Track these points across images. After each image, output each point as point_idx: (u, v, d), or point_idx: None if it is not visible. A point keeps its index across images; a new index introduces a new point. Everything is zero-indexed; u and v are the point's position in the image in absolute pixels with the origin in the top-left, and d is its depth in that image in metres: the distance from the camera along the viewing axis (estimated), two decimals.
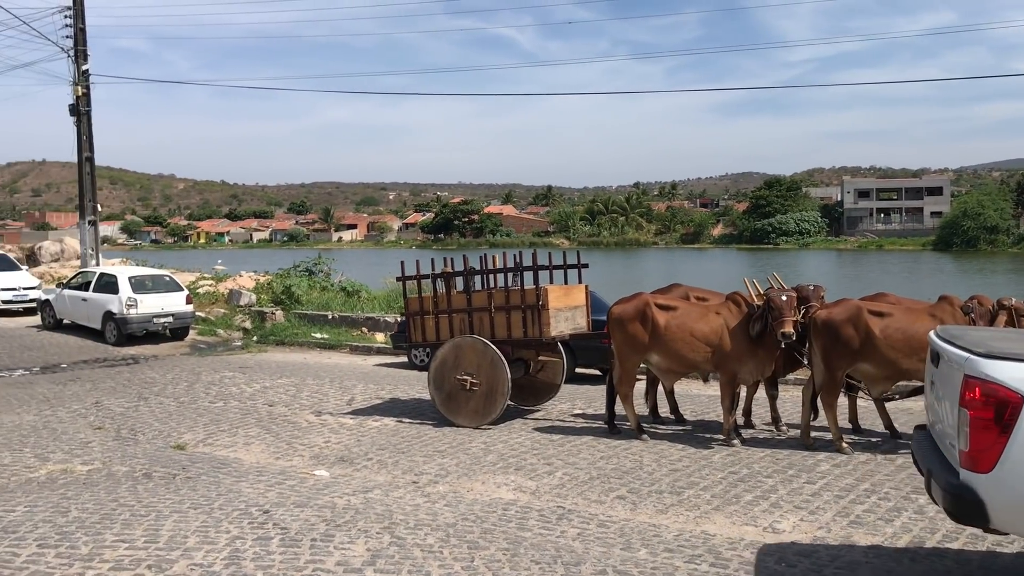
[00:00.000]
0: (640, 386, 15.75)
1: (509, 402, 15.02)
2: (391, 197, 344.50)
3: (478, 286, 14.52)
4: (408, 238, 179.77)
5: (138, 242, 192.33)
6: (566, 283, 14.51)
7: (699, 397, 16.80)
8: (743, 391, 13.89)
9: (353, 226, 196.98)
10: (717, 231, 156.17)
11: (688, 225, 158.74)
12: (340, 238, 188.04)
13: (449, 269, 14.57)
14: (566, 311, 14.04)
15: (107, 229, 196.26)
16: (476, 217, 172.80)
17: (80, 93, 34.40)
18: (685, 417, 14.50)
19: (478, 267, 14.42)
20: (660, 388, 14.85)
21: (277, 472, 11.69)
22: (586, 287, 14.82)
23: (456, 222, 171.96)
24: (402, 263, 15.41)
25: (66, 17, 35.07)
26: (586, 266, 14.58)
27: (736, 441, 12.64)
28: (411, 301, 14.68)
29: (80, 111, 34.50)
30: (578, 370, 20.09)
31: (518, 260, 14.19)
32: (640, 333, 12.54)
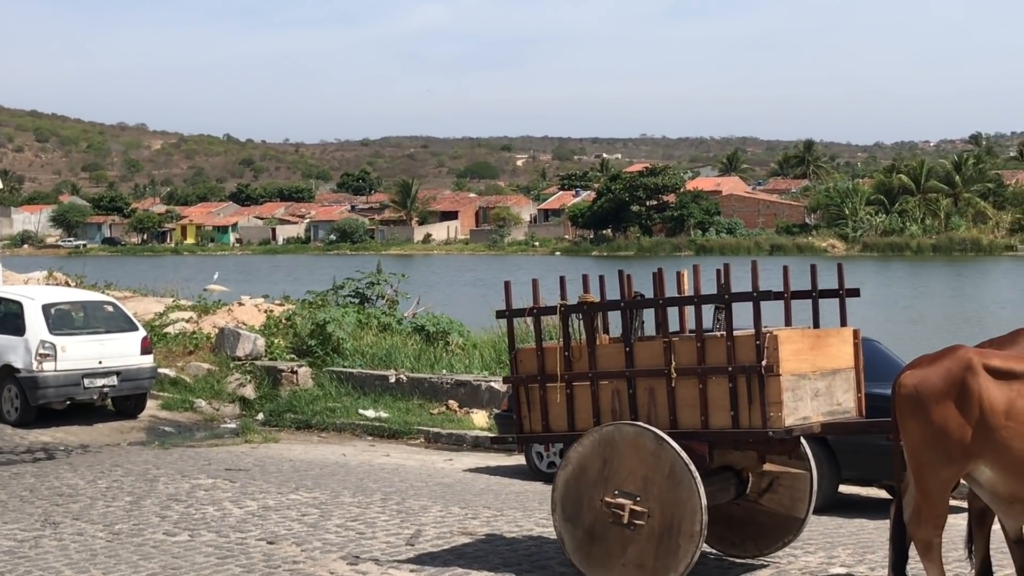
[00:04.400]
0: (956, 523, 12.08)
1: (707, 549, 12.17)
2: (519, 163, 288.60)
3: (648, 329, 11.84)
4: (549, 236, 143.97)
5: (81, 242, 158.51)
6: (816, 324, 11.55)
7: None
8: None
9: (452, 214, 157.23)
10: None
11: None
12: (428, 236, 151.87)
13: (590, 296, 11.72)
14: (817, 378, 11.24)
15: (26, 219, 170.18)
16: (672, 198, 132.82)
17: None
18: None
19: (650, 293, 11.65)
20: (995, 531, 10.90)
21: None
22: (856, 332, 11.71)
23: (635, 207, 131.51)
24: (506, 285, 12.21)
25: None
26: (856, 292, 11.64)
27: None
28: (522, 356, 11.94)
29: None
30: (843, 489, 16.53)
31: (724, 281, 11.21)
32: (956, 423, 9.69)
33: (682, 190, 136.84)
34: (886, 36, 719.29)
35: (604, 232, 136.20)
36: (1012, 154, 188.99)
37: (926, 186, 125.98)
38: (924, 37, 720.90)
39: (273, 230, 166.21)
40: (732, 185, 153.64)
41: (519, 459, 19.24)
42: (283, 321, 27.74)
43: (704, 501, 10.71)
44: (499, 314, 12.77)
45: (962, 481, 10.06)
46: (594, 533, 11.19)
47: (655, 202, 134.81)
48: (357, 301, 29.11)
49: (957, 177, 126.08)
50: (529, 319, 12.37)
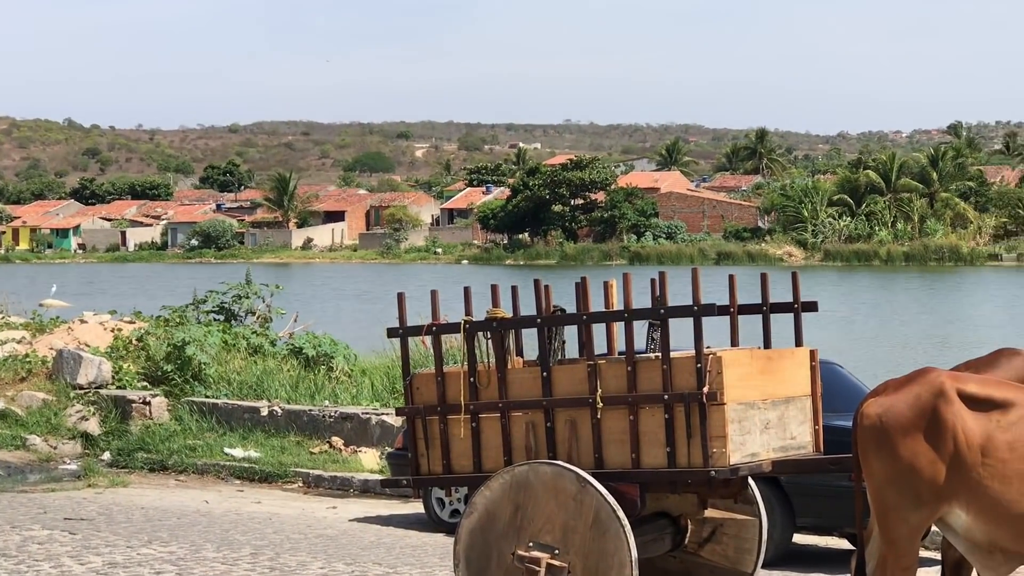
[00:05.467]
0: None
1: None
2: (419, 154, 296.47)
3: (570, 350, 11.92)
4: (454, 241, 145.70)
5: None
6: (768, 344, 11.81)
7: None
8: None
9: (338, 215, 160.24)
10: None
11: None
12: (309, 241, 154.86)
13: (501, 311, 11.76)
14: (768, 407, 11.41)
15: None
16: (602, 196, 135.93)
17: None
18: None
19: (573, 307, 11.73)
20: None
21: None
22: (813, 354, 11.90)
23: (558, 207, 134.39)
24: (399, 297, 12.15)
25: None
26: (813, 307, 11.88)
27: None
28: (419, 382, 12.03)
29: None
30: (798, 538, 17.14)
31: (660, 293, 11.42)
32: (927, 459, 9.81)
33: (613, 187, 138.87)
34: (850, 8, 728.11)
35: (520, 237, 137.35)
36: (997, 147, 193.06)
37: (898, 184, 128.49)
38: (895, 9, 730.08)
39: (123, 234, 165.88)
40: (672, 181, 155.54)
41: (416, 506, 19.49)
42: (134, 342, 27.99)
43: (634, 553, 10.77)
44: (391, 332, 12.61)
45: (934, 528, 10.26)
46: None
47: (581, 201, 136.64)
48: (222, 318, 29.60)
49: (933, 174, 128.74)
50: (427, 338, 12.30)
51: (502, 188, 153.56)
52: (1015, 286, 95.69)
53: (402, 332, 12.29)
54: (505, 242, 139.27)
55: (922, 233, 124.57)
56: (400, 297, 12.32)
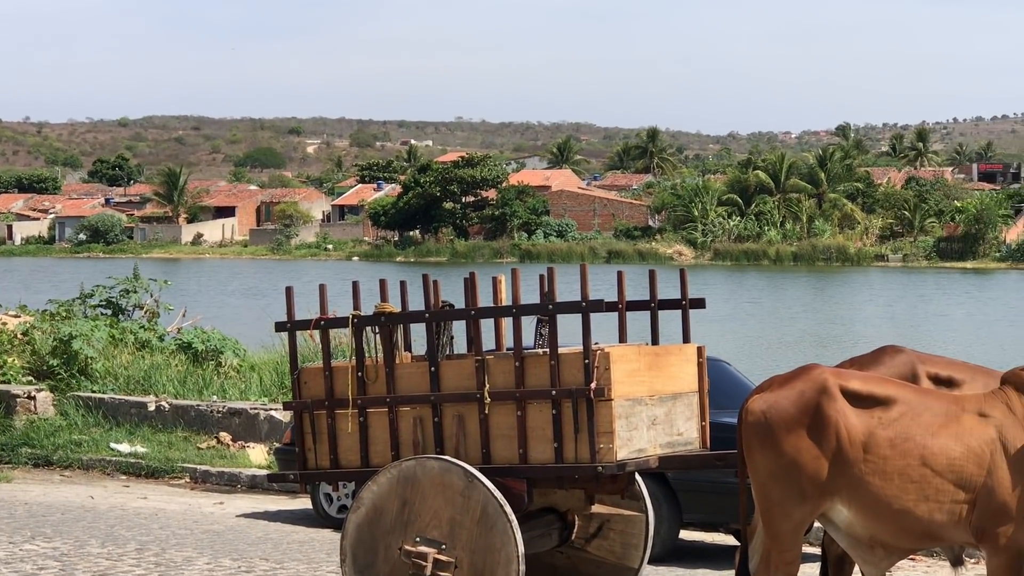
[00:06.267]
0: (808, 572, 12.76)
1: None
2: (310, 150, 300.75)
3: (459, 345, 12.06)
4: (345, 238, 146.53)
5: None
6: (655, 341, 11.78)
7: None
8: None
9: (228, 211, 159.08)
10: (1015, 234, 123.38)
11: (953, 221, 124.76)
12: (199, 236, 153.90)
13: (389, 306, 11.77)
14: (655, 403, 11.44)
15: None
16: (493, 194, 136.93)
17: None
18: None
19: (461, 302, 11.83)
20: None
21: None
22: (700, 350, 11.95)
23: (449, 204, 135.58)
24: (288, 291, 12.22)
25: None
26: (701, 303, 11.94)
27: None
28: (306, 377, 12.02)
29: None
30: (685, 534, 17.20)
31: (548, 288, 11.38)
32: (810, 455, 9.95)
33: (504, 185, 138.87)
34: (741, 8, 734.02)
35: (411, 234, 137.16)
36: (884, 149, 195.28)
37: (787, 184, 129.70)
38: (784, 10, 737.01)
39: (9, 227, 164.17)
40: (563, 180, 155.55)
41: (304, 502, 19.40)
42: (18, 336, 27.58)
43: (521, 549, 10.78)
44: (279, 326, 12.60)
45: (817, 523, 10.36)
46: None
47: (472, 198, 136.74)
48: (110, 313, 29.13)
49: (822, 175, 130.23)
50: (315, 333, 12.35)
51: (393, 185, 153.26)
52: (899, 286, 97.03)
53: (290, 326, 12.29)
54: (396, 239, 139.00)
55: (810, 233, 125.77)
56: (288, 291, 12.31)
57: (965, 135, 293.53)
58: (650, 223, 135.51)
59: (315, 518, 18.59)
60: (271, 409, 23.30)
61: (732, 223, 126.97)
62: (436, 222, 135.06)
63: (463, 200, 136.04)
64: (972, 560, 14.45)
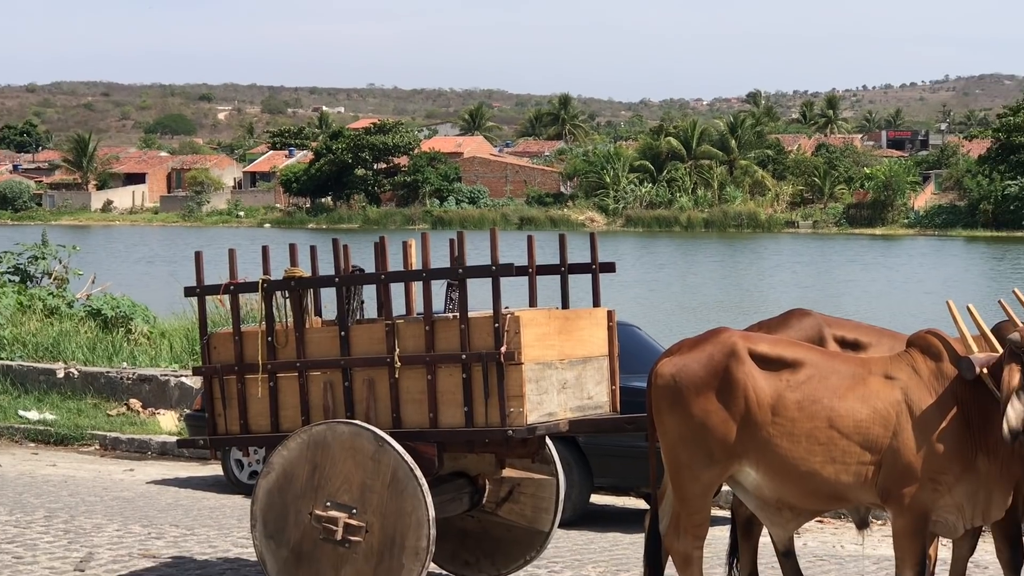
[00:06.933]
0: (718, 535, 12.86)
1: (436, 569, 12.36)
2: (221, 117, 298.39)
3: (370, 310, 11.97)
4: (257, 204, 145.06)
5: None
6: (566, 305, 11.70)
7: (848, 563, 14.02)
8: (942, 549, 11.34)
9: (139, 177, 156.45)
10: (923, 200, 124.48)
11: (862, 188, 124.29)
12: (109, 203, 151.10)
13: (299, 271, 11.65)
14: (565, 367, 11.34)
15: None
16: (405, 160, 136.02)
17: None
18: None
19: (372, 267, 11.78)
20: (763, 543, 11.67)
21: None
22: (611, 314, 11.86)
23: (361, 171, 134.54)
24: (197, 255, 12.16)
25: None
26: (611, 267, 11.85)
27: None
28: (216, 342, 11.90)
29: None
30: (596, 499, 17.24)
31: (458, 253, 11.32)
32: (719, 418, 9.90)
33: (416, 152, 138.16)
34: None
35: (323, 200, 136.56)
36: (794, 116, 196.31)
37: (698, 151, 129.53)
38: None
39: None
40: (475, 146, 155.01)
41: (215, 468, 19.33)
42: None
43: (432, 513, 10.68)
44: (188, 291, 12.44)
45: (727, 487, 10.41)
46: (302, 552, 11.09)
47: (384, 165, 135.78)
48: (17, 279, 29.09)
49: (732, 141, 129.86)
50: (225, 298, 12.24)
51: (305, 152, 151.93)
52: (809, 252, 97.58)
53: (199, 291, 12.14)
54: (308, 206, 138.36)
55: (721, 200, 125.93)
56: (198, 256, 12.20)
57: (874, 102, 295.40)
58: (562, 190, 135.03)
59: (226, 484, 18.52)
60: (182, 376, 23.26)
61: (644, 190, 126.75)
62: (348, 189, 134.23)
63: (375, 167, 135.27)
64: (879, 522, 14.59)
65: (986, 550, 11.85)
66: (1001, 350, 9.54)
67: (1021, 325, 9.71)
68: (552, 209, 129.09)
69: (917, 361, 9.68)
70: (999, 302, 10.31)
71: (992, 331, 9.79)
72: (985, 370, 9.44)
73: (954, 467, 9.61)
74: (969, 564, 10.70)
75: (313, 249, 11.75)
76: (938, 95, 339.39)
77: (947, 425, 9.59)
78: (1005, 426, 9.15)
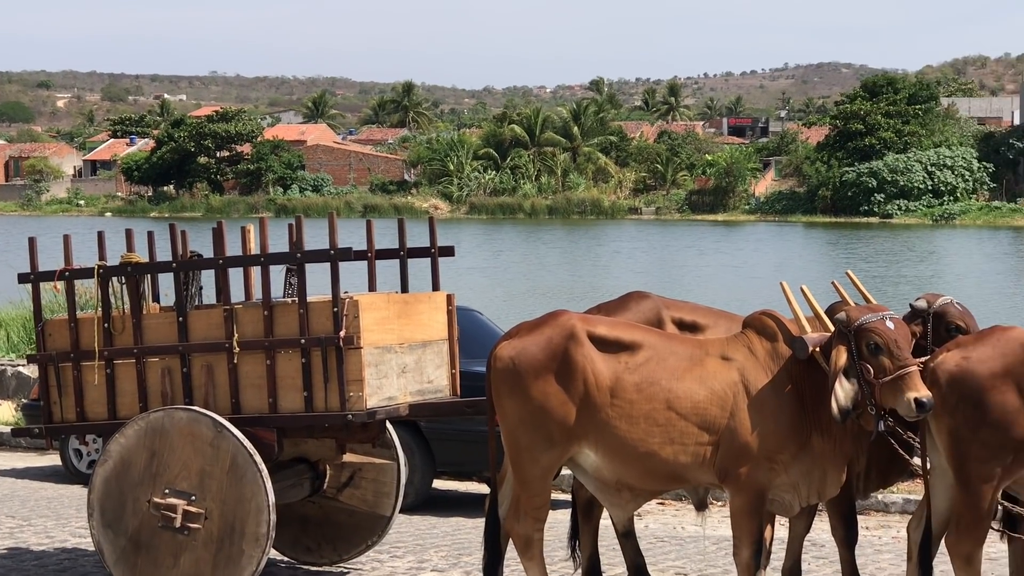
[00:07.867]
0: (559, 518, 13.03)
1: (276, 556, 12.49)
2: (60, 104, 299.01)
3: (207, 296, 11.87)
4: (98, 193, 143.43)
5: None
6: (405, 289, 11.74)
7: (688, 543, 13.99)
8: (779, 528, 11.29)
9: None
10: (764, 187, 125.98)
11: (704, 175, 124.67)
12: None
13: (136, 256, 11.51)
14: (405, 351, 11.37)
15: None
16: (248, 148, 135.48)
17: None
18: None
19: (210, 253, 11.72)
20: (604, 526, 11.67)
21: None
22: (450, 298, 11.91)
23: (203, 159, 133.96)
24: (31, 241, 12.05)
25: None
26: (450, 252, 11.93)
27: None
28: (51, 329, 11.75)
29: None
30: (439, 484, 17.23)
31: (297, 238, 11.53)
32: (558, 400, 9.85)
33: (259, 139, 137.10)
34: None
35: (165, 189, 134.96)
36: (637, 103, 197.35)
37: (541, 138, 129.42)
38: None
39: None
40: (319, 134, 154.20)
41: (54, 459, 19.10)
42: None
43: (272, 499, 10.70)
44: (22, 277, 12.31)
45: (567, 471, 10.44)
46: (140, 541, 11.01)
47: (227, 153, 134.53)
48: None
49: (575, 128, 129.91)
50: (60, 284, 11.96)
51: (147, 140, 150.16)
52: (651, 237, 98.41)
53: (33, 277, 11.95)
54: (150, 194, 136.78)
55: (565, 187, 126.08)
56: (32, 242, 12.02)
57: (715, 90, 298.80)
58: (406, 177, 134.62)
59: (65, 474, 18.31)
60: (18, 365, 22.97)
61: (487, 177, 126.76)
62: (190, 177, 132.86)
63: (217, 155, 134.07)
64: (718, 503, 14.75)
65: (822, 528, 12.05)
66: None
67: (851, 305, 9.87)
68: (396, 197, 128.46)
69: (753, 342, 9.68)
70: (832, 283, 10.45)
71: (827, 312, 9.85)
72: (818, 350, 9.43)
73: (789, 446, 9.58)
74: (805, 542, 10.87)
75: (150, 235, 11.54)
76: (777, 83, 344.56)
77: (782, 405, 9.59)
78: (834, 405, 9.22)
